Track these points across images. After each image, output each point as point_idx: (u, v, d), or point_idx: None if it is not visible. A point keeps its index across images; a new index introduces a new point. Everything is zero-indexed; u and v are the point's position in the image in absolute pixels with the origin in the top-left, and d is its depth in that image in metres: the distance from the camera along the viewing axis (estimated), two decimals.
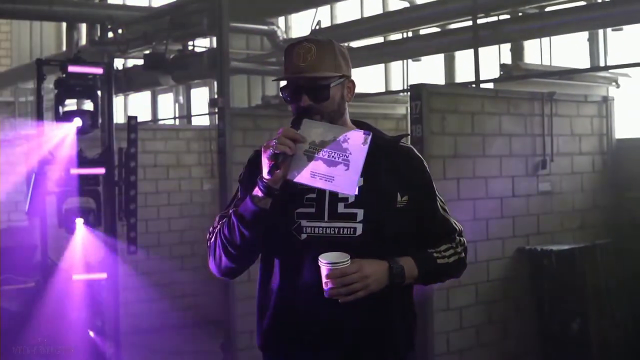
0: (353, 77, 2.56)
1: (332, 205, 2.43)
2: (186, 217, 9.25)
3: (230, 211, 2.42)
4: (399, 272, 2.40)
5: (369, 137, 2.35)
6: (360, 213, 2.43)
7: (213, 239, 2.49)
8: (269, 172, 2.30)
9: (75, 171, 6.51)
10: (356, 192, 2.34)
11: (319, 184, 2.32)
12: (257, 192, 2.34)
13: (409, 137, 5.44)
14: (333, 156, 2.32)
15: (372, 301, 2.38)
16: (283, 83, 2.50)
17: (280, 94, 2.54)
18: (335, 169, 2.31)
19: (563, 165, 6.55)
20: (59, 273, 6.33)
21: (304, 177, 2.31)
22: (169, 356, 7.59)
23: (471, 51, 6.76)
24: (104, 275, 6.48)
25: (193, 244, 9.17)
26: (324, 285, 2.31)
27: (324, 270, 2.30)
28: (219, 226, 2.47)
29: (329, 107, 2.45)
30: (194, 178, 9.31)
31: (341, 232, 2.42)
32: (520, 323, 6.18)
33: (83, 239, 6.36)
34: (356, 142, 2.33)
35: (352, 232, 2.42)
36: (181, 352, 7.28)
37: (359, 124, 2.59)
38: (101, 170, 6.66)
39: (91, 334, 6.18)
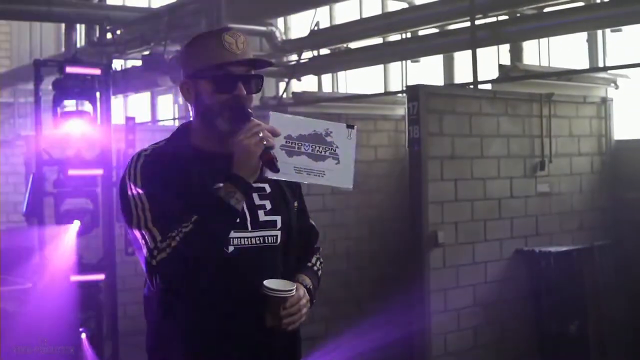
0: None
1: (253, 214, 2.32)
2: None
3: (194, 219, 2.14)
4: (314, 292, 2.42)
5: (354, 131, 2.29)
6: (278, 220, 2.36)
7: (166, 253, 2.14)
8: (272, 168, 2.15)
9: (74, 172, 6.51)
10: (351, 187, 2.28)
11: (307, 179, 2.24)
12: (234, 192, 2.16)
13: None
14: (318, 150, 2.24)
15: None
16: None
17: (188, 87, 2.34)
18: (324, 163, 2.24)
19: (561, 166, 6.54)
20: (57, 274, 6.32)
21: (286, 172, 2.20)
22: None
23: (470, 52, 6.76)
24: (101, 277, 6.48)
25: None
26: (273, 314, 2.24)
27: (276, 301, 2.22)
28: (175, 239, 2.14)
29: (252, 100, 2.34)
30: None
31: (266, 241, 2.33)
32: (518, 324, 6.17)
33: (75, 240, 6.35)
34: (341, 136, 2.27)
35: (274, 240, 2.35)
36: None
37: None
38: (99, 171, 6.66)
39: (83, 336, 6.17)
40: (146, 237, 2.18)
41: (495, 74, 7.06)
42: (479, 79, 6.63)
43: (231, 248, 2.27)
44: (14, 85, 15.93)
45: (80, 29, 12.46)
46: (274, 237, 2.35)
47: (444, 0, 7.55)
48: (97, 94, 6.76)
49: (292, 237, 2.41)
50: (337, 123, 2.30)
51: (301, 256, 2.52)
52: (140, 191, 2.23)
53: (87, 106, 6.73)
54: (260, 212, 2.33)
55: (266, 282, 2.23)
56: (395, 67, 9.54)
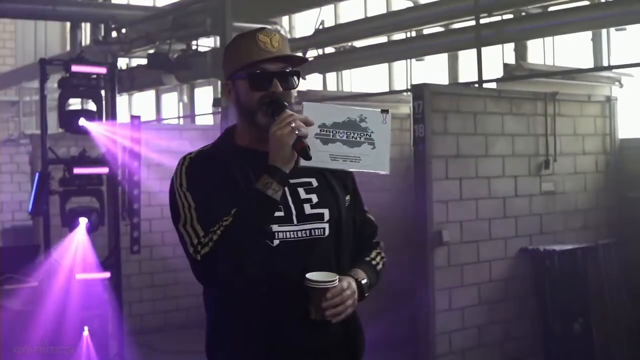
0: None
1: (298, 207, 2.35)
2: None
3: (234, 212, 2.19)
4: (366, 286, 2.40)
5: (389, 115, 2.29)
6: (326, 213, 2.38)
7: (209, 247, 2.19)
8: (304, 155, 2.17)
9: (79, 170, 6.53)
10: (388, 171, 2.28)
11: (343, 165, 2.25)
12: (271, 183, 2.18)
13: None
14: (353, 136, 2.24)
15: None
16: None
17: (241, 78, 2.37)
18: (360, 148, 2.24)
19: (566, 165, 6.54)
20: (62, 272, 6.34)
21: (322, 160, 2.22)
22: (173, 356, 7.59)
23: (474, 51, 6.76)
24: (107, 275, 6.50)
25: None
26: (315, 305, 2.25)
27: (317, 292, 2.23)
28: (217, 232, 2.19)
29: (291, 96, 2.38)
30: None
31: (313, 234, 2.35)
32: (522, 323, 6.17)
33: (83, 238, 6.37)
34: (375, 121, 2.27)
35: (322, 233, 2.36)
36: (185, 351, 7.25)
37: None
38: (104, 170, 6.68)
39: (85, 333, 6.18)
40: (191, 234, 2.24)
41: (499, 73, 7.07)
42: (484, 78, 6.63)
43: (277, 242, 2.31)
44: (19, 83, 15.99)
45: (86, 28, 12.48)
46: (321, 230, 2.36)
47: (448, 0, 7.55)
48: (102, 92, 6.79)
49: (342, 231, 2.42)
50: (370, 109, 2.30)
51: (359, 250, 2.52)
52: (186, 192, 2.31)
53: (92, 105, 6.75)
54: (307, 206, 2.36)
55: (308, 275, 2.25)
56: (400, 65, 9.54)
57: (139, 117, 7.10)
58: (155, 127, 9.86)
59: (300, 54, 2.44)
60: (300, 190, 2.37)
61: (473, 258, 5.88)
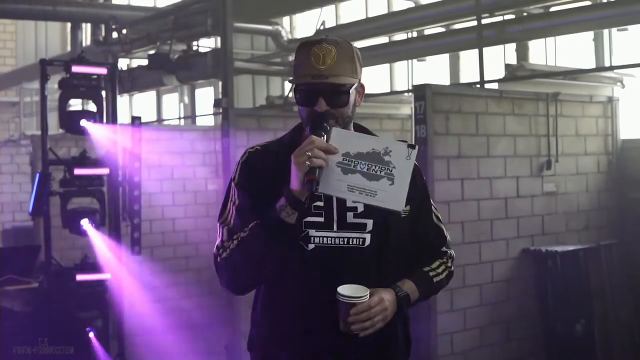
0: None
1: (341, 215, 2.36)
2: (191, 218, 9.22)
3: (252, 225, 2.26)
4: (405, 299, 2.37)
5: (415, 152, 2.24)
6: (369, 223, 2.36)
7: (226, 254, 2.32)
8: (310, 188, 2.16)
9: (80, 171, 6.52)
10: (403, 209, 2.25)
11: (358, 197, 2.22)
12: (285, 206, 2.21)
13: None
14: (374, 169, 2.21)
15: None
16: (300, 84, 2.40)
17: (293, 95, 2.41)
18: (378, 183, 2.21)
19: (568, 165, 6.52)
20: (63, 273, 6.33)
21: (338, 189, 2.21)
22: (174, 356, 7.58)
23: (474, 51, 6.74)
24: (108, 276, 6.49)
25: (197, 245, 9.14)
26: (343, 319, 2.25)
27: (344, 307, 2.23)
28: (234, 242, 2.30)
29: (344, 112, 2.34)
30: (199, 178, 9.27)
31: (350, 243, 2.35)
32: (524, 324, 6.15)
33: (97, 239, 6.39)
34: (400, 155, 2.23)
35: (361, 243, 2.36)
36: (185, 352, 7.26)
37: (358, 128, 2.49)
38: (105, 171, 6.66)
39: (91, 334, 6.17)
40: (223, 232, 2.36)
41: (501, 73, 7.05)
42: (486, 79, 6.61)
43: (312, 246, 2.34)
44: (20, 84, 15.97)
45: (86, 28, 12.47)
46: (361, 240, 2.36)
47: (449, 0, 7.53)
48: (103, 93, 6.78)
49: (389, 242, 2.39)
50: (398, 142, 2.27)
51: (420, 260, 2.50)
52: (235, 187, 2.40)
53: (92, 105, 6.74)
54: (350, 214, 2.36)
55: (340, 288, 2.24)
56: (400, 66, 9.53)
57: (139, 118, 7.09)
58: (155, 128, 9.83)
59: (352, 79, 2.36)
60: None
61: (475, 259, 5.86)
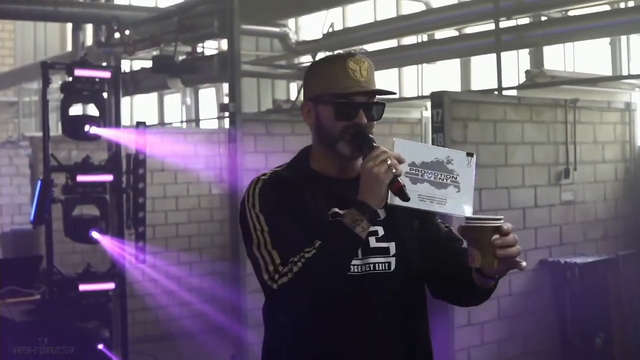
0: None
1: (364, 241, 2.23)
2: (194, 223, 9.08)
3: (318, 245, 2.11)
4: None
5: (474, 159, 2.24)
6: (392, 246, 2.27)
7: (298, 268, 2.11)
8: (402, 197, 2.09)
9: (83, 178, 6.34)
10: (471, 214, 2.17)
11: (429, 207, 2.18)
12: (360, 220, 2.11)
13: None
14: (440, 178, 2.19)
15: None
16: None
17: (311, 106, 2.32)
18: (446, 191, 2.18)
19: (586, 173, 6.38)
20: (65, 283, 6.17)
21: (412, 200, 2.15)
22: None
23: (487, 56, 6.58)
24: (111, 286, 6.32)
25: (201, 250, 9.00)
26: (480, 252, 2.04)
27: (486, 232, 2.04)
28: (298, 264, 2.11)
29: (373, 127, 2.31)
30: (202, 182, 9.12)
31: (377, 268, 2.24)
32: (542, 338, 6.00)
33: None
34: (461, 163, 2.22)
35: (387, 267, 2.25)
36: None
37: None
38: (109, 177, 6.49)
39: (100, 346, 6.01)
40: (266, 259, 2.17)
41: (515, 80, 6.89)
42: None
43: None
44: (18, 84, 15.78)
45: (88, 29, 12.27)
46: (386, 264, 2.25)
47: (465, 3, 7.35)
48: (105, 96, 6.61)
49: (411, 264, 2.28)
50: (457, 151, 2.26)
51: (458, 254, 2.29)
52: (259, 214, 2.25)
53: (94, 108, 6.56)
54: (372, 239, 2.24)
55: (466, 217, 2.12)
56: (409, 70, 9.36)
57: (144, 123, 6.92)
58: (159, 131, 9.66)
59: (384, 87, 2.33)
60: None
61: None
